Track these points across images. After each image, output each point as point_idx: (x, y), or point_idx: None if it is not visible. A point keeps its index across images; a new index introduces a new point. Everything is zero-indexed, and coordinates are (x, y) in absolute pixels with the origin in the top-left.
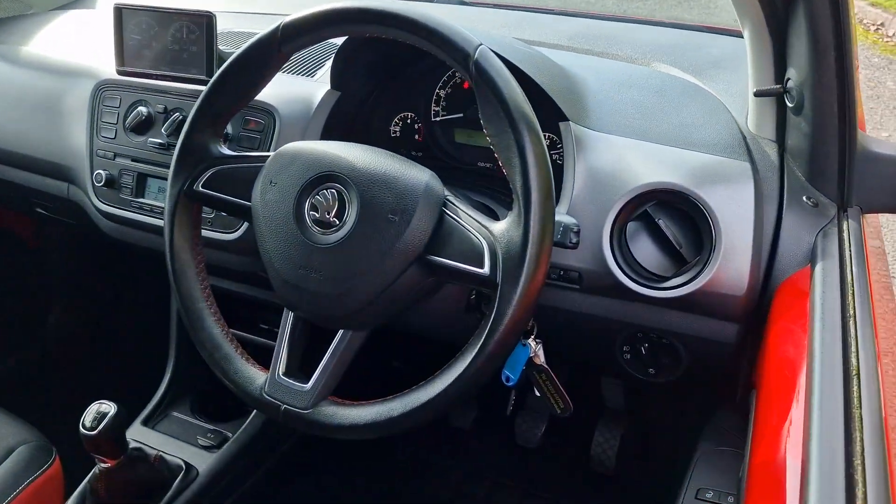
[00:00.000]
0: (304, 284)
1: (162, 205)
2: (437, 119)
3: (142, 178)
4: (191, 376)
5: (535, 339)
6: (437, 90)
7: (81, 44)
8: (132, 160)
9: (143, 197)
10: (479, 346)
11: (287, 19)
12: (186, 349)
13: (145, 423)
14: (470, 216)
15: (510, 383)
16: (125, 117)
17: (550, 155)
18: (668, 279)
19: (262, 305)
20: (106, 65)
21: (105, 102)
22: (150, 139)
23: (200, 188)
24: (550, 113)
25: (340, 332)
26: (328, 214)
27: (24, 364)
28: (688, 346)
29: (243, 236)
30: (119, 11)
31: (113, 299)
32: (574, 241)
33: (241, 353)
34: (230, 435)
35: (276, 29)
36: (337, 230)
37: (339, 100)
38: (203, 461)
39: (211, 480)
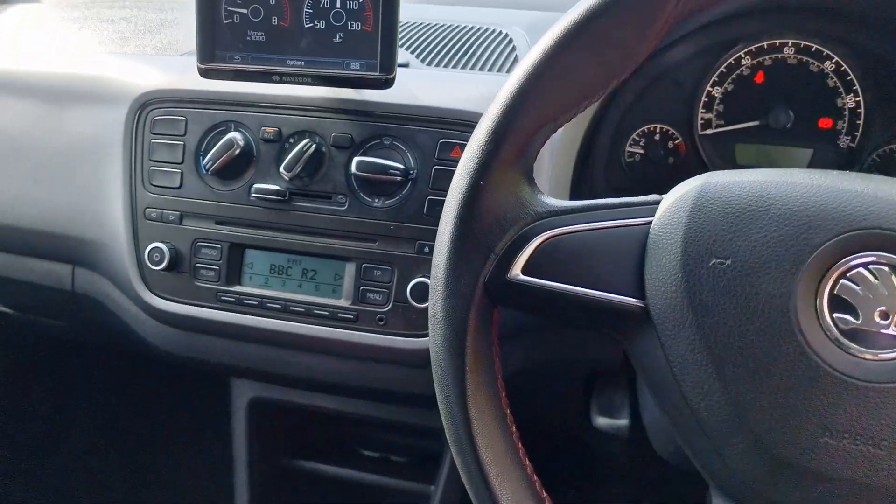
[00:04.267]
0: (831, 466)
1: (278, 294)
2: (709, 131)
3: (235, 252)
4: None
5: None
6: (707, 87)
7: (72, 46)
8: (217, 223)
9: (238, 283)
10: None
11: None
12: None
13: None
14: None
15: None
16: (199, 152)
17: None
18: None
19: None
20: (143, 71)
21: (157, 130)
22: (256, 185)
23: (519, 276)
24: None
25: None
26: (876, 317)
27: None
28: None
29: None
30: None
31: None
32: None
33: None
34: None
35: None
36: None
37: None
38: None
39: None
